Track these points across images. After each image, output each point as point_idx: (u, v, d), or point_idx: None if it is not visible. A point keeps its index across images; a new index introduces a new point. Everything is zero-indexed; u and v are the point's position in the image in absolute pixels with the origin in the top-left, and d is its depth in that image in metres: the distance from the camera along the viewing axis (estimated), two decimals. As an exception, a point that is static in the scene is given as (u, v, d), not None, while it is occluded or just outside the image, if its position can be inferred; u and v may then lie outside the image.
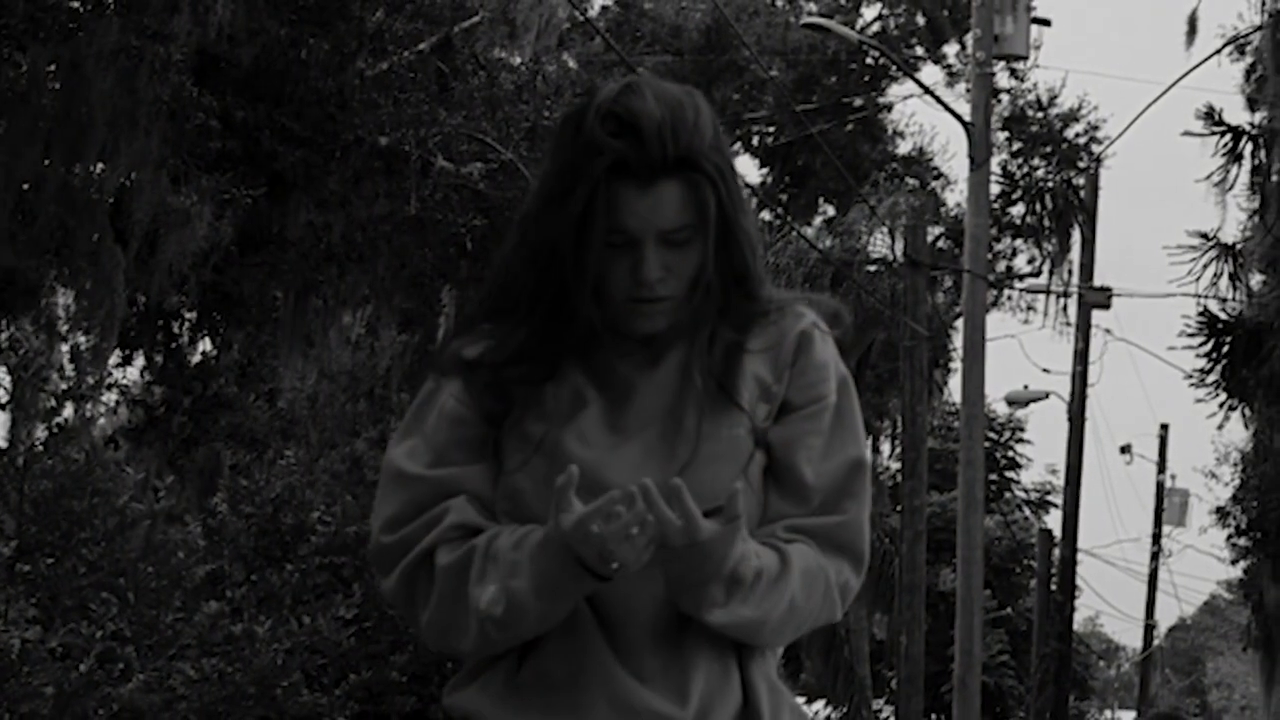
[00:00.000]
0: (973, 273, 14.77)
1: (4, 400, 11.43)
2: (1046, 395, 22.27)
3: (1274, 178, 16.17)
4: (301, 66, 10.99)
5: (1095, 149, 22.81)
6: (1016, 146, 23.53)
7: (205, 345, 12.93)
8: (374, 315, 13.90)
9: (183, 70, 10.17)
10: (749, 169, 23.22)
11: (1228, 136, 16.37)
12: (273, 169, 11.09)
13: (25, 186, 10.06)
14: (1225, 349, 16.18)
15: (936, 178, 23.86)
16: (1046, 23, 19.35)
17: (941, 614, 21.81)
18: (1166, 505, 28.96)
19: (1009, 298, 22.76)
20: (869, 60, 22.74)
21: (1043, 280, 20.42)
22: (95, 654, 8.44)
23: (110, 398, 13.15)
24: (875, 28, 23.40)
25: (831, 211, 23.26)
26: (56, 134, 9.85)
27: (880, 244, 18.12)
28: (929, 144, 24.36)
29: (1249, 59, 17.33)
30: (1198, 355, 16.36)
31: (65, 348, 11.88)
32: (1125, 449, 28.53)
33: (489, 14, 12.95)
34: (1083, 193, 19.81)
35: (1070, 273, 19.71)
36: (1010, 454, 29.61)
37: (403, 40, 11.76)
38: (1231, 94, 20.25)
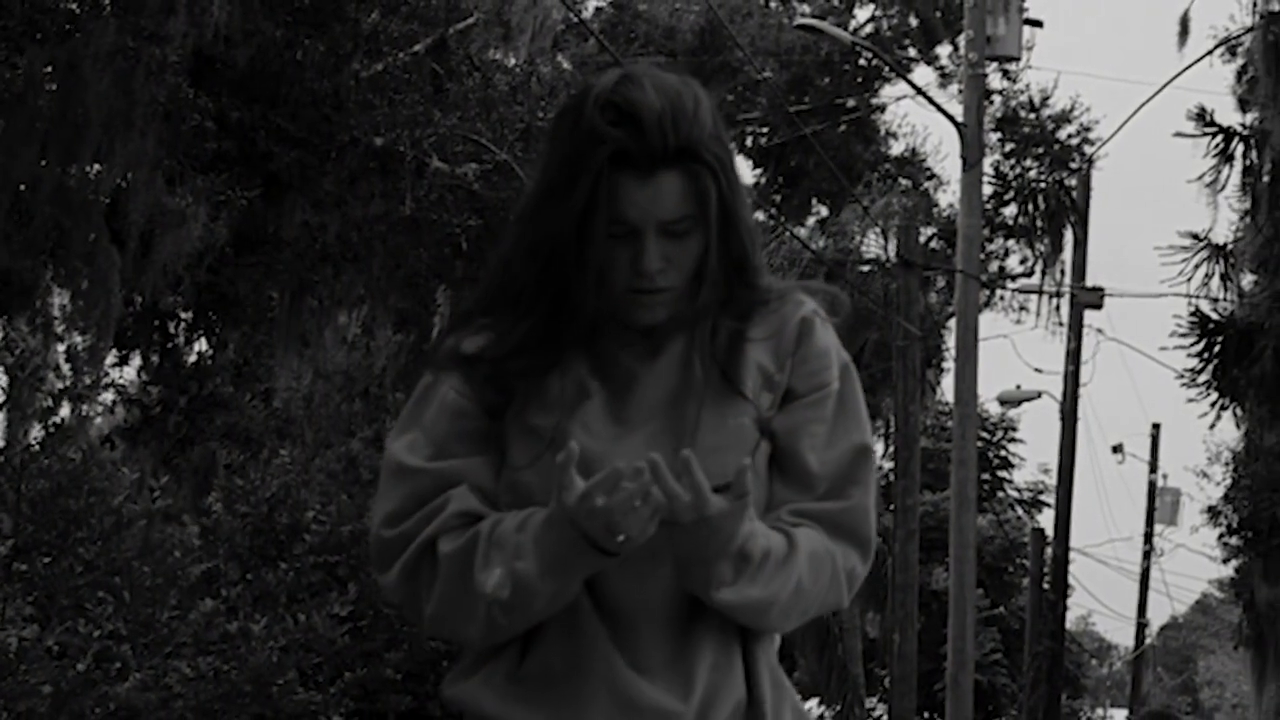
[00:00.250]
0: (965, 273, 14.83)
1: (1, 400, 11.47)
2: (1039, 395, 22.36)
3: (1265, 178, 16.22)
4: (297, 68, 11.02)
5: (1087, 150, 22.87)
6: (1009, 147, 23.58)
7: (201, 345, 12.98)
8: (369, 315, 13.90)
9: (178, 71, 10.20)
10: (742, 169, 23.24)
11: (1219, 137, 16.42)
12: (268, 169, 11.13)
13: (22, 187, 10.09)
14: (1216, 349, 16.22)
15: (929, 178, 23.91)
16: (1039, 24, 19.37)
17: (934, 613, 21.88)
18: (1158, 504, 29.04)
19: (1001, 298, 22.83)
20: (862, 61, 22.78)
21: (1035, 280, 20.47)
22: (92, 652, 8.46)
23: (106, 397, 13.21)
24: (868, 29, 23.44)
25: (825, 212, 23.31)
26: (53, 135, 9.88)
27: (873, 244, 18.21)
28: (922, 145, 24.39)
29: (1240, 60, 17.39)
30: (1189, 355, 16.41)
31: (61, 348, 11.90)
32: (1117, 448, 28.63)
33: (484, 15, 12.98)
34: (1075, 193, 19.87)
35: (1062, 273, 19.76)
36: (1003, 453, 29.67)
37: (398, 41, 11.80)
38: (1223, 95, 20.31)
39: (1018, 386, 23.50)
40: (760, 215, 21.03)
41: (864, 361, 17.71)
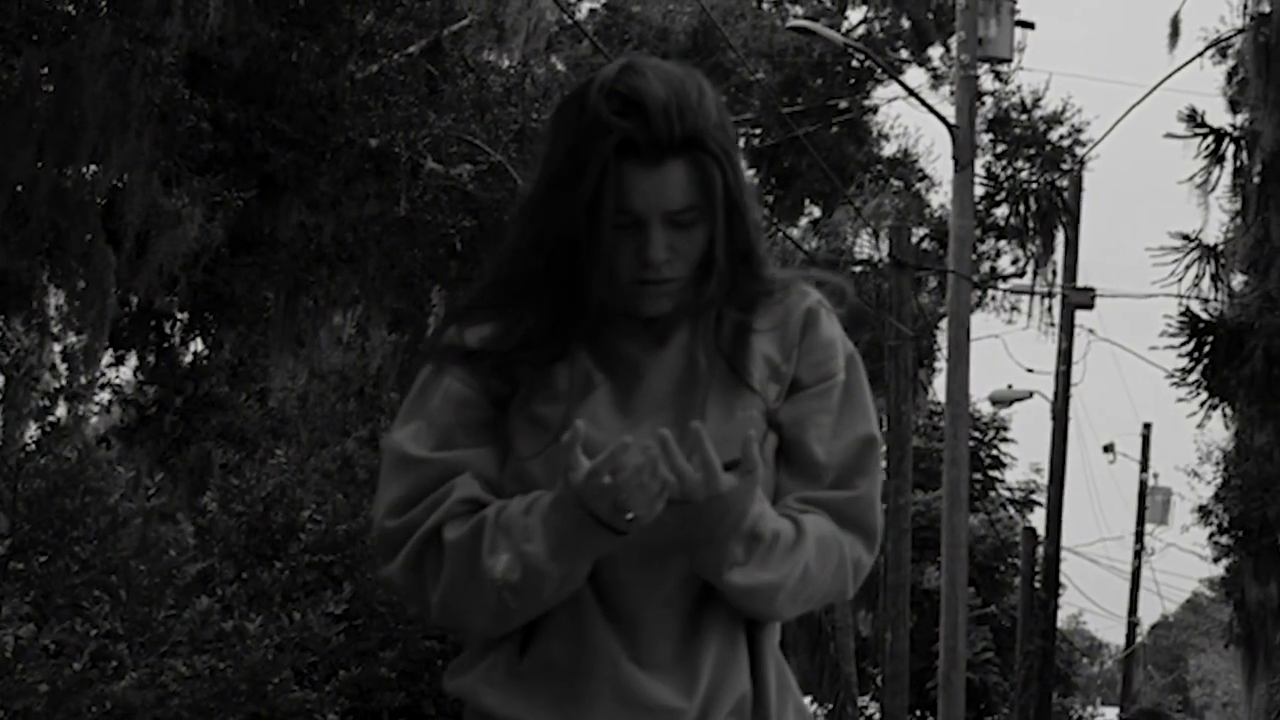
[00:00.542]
0: (957, 273, 14.88)
1: (-3, 400, 11.48)
2: (1030, 395, 22.41)
3: (1255, 179, 16.25)
4: (292, 69, 11.05)
5: (1079, 151, 22.95)
6: (1000, 148, 23.65)
7: (197, 345, 13.00)
8: (364, 315, 13.91)
9: (174, 73, 10.23)
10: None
11: (1210, 138, 16.45)
12: (264, 170, 11.16)
13: (18, 188, 10.12)
14: (1206, 349, 16.25)
15: (921, 179, 23.97)
16: (1030, 26, 19.45)
17: (926, 611, 21.90)
18: (1149, 504, 29.12)
19: (993, 298, 22.91)
20: (854, 63, 22.83)
21: (1026, 281, 20.53)
22: (88, 651, 8.46)
23: (102, 397, 13.22)
24: (860, 31, 23.50)
25: (817, 213, 23.37)
26: (49, 135, 9.91)
27: (865, 245, 18.26)
28: (914, 146, 24.46)
29: (1231, 62, 17.46)
30: (1179, 355, 16.44)
31: (58, 348, 11.90)
32: (1108, 448, 28.74)
33: (478, 17, 13.02)
34: (1066, 194, 19.91)
35: (1054, 273, 19.82)
36: (994, 453, 29.69)
37: (392, 43, 11.85)
38: (1213, 96, 20.42)
39: (1009, 386, 23.55)
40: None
41: (856, 361, 17.70)
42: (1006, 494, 30.13)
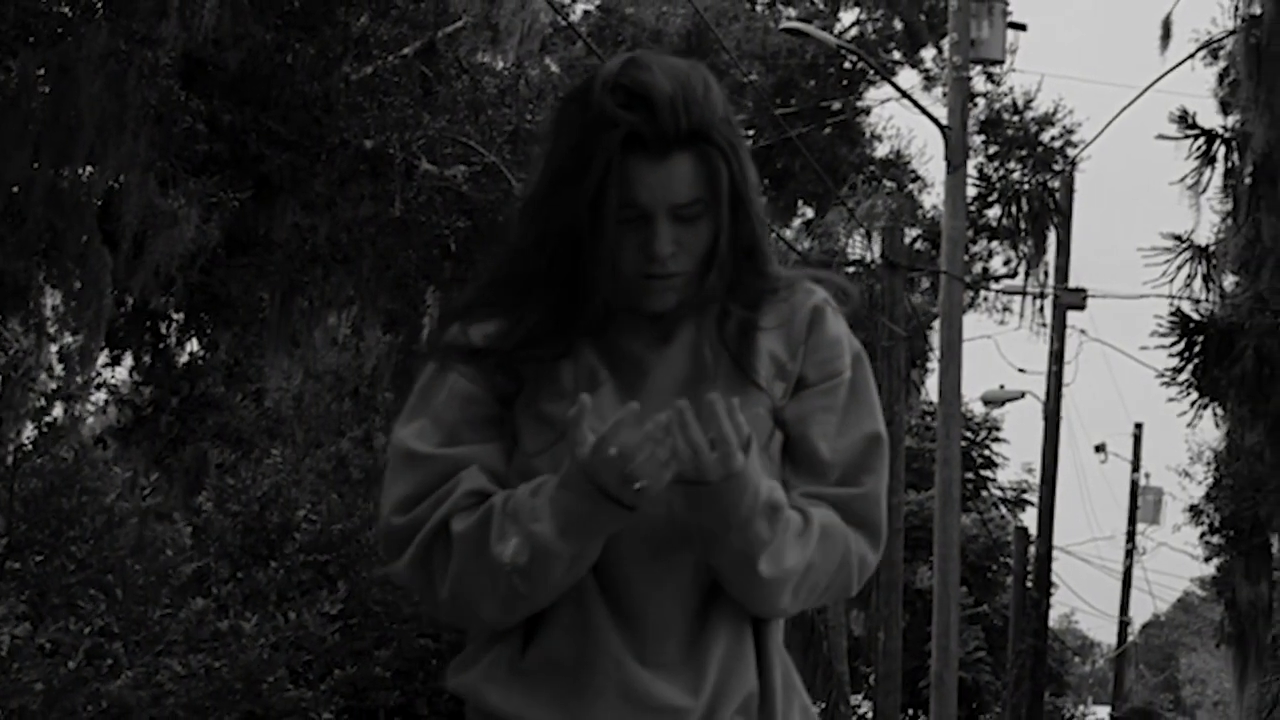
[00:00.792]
0: (949, 274, 14.93)
1: (-8, 400, 11.49)
2: (1022, 395, 22.49)
3: (1246, 180, 16.30)
4: (287, 71, 11.08)
5: (1070, 152, 23.01)
6: (993, 150, 23.71)
7: (192, 346, 13.01)
8: (359, 316, 13.93)
9: (170, 74, 10.26)
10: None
11: (1201, 140, 16.49)
12: (259, 172, 11.20)
13: (14, 189, 10.15)
14: (1197, 349, 16.29)
15: (914, 180, 24.02)
16: (1022, 27, 19.47)
17: (919, 611, 21.96)
18: (1140, 503, 29.20)
19: (985, 299, 22.97)
20: (847, 64, 22.88)
21: (1018, 281, 20.57)
22: (84, 650, 8.48)
23: (99, 397, 13.25)
24: (853, 32, 23.55)
25: (810, 214, 23.42)
26: (45, 137, 9.93)
27: (858, 246, 18.31)
28: (906, 147, 24.51)
29: (1222, 63, 17.50)
30: (1170, 355, 16.48)
31: (54, 348, 11.91)
32: (1100, 448, 28.81)
33: (472, 19, 13.05)
34: (1058, 195, 19.96)
35: (1046, 274, 19.86)
36: (986, 453, 29.75)
37: (387, 45, 11.88)
38: (1205, 98, 20.49)
39: (1001, 386, 23.63)
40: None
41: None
42: (998, 494, 30.20)
